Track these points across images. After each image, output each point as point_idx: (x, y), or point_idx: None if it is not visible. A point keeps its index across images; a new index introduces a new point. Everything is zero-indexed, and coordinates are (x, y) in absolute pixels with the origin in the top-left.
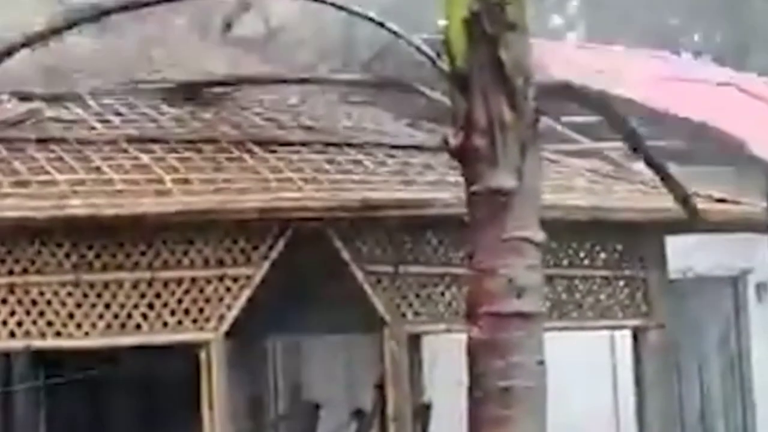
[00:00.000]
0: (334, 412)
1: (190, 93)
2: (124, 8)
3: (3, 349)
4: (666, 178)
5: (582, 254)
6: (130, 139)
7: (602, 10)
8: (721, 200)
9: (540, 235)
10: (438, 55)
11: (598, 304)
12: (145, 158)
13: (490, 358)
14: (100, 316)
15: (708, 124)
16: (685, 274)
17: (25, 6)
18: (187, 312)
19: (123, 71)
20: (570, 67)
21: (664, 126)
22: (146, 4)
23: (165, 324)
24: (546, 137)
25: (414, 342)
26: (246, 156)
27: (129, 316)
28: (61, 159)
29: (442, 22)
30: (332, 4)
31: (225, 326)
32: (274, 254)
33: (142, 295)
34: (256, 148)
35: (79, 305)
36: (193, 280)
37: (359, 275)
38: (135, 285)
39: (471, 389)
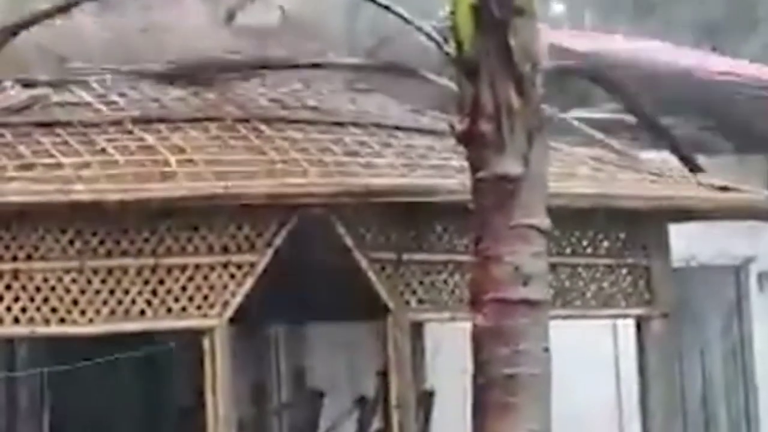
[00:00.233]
0: (337, 399)
1: (195, 76)
2: None
3: (7, 335)
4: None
5: (585, 242)
6: (135, 120)
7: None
8: (724, 188)
9: (546, 222)
10: (445, 40)
11: (601, 292)
12: (150, 139)
13: (494, 346)
14: (104, 303)
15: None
16: (688, 262)
17: None
18: (191, 298)
19: (127, 53)
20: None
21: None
22: None
23: (169, 310)
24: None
25: (417, 329)
26: (252, 135)
27: (133, 302)
28: (66, 143)
29: (448, 8)
30: None
31: (229, 313)
32: (278, 241)
33: (146, 282)
34: (262, 126)
35: (83, 291)
36: (197, 266)
37: (363, 262)
38: (139, 271)
39: (475, 376)
